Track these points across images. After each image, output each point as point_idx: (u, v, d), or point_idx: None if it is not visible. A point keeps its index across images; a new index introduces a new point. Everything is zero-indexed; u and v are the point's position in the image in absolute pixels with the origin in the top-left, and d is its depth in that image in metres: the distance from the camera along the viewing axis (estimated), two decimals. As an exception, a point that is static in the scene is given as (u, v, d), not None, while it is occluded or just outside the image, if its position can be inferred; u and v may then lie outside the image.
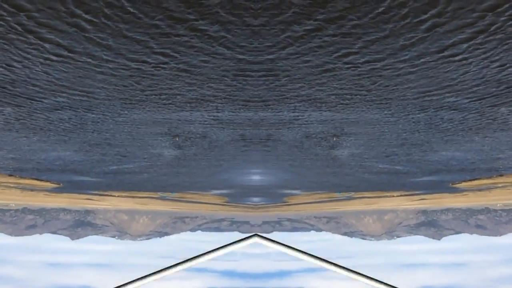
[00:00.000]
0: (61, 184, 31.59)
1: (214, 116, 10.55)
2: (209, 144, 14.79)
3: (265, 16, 5.42)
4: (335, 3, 5.33)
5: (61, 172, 23.76)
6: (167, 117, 10.79)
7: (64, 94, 8.75)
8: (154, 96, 8.90)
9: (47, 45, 6.26)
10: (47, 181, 29.32)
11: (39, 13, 5.28)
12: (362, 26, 5.96)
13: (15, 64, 7.08)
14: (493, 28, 6.58)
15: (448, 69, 7.43)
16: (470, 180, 25.20)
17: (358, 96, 8.30)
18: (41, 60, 6.84)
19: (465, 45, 6.92)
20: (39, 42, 6.15)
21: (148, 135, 13.27)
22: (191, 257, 3.55)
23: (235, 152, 16.28)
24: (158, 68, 7.28)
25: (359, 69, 7.16)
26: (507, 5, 6.07)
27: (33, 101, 9.31)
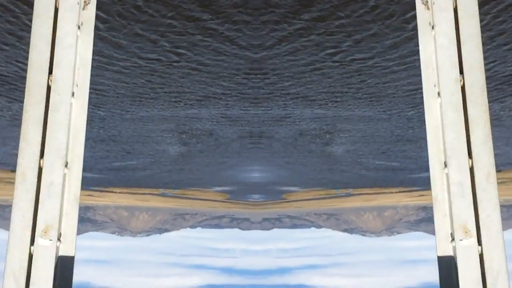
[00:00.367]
0: None
1: (222, 113, 10.60)
2: (214, 141, 14.87)
3: (251, 15, 5.48)
4: (321, 2, 5.37)
5: None
6: (175, 114, 10.84)
7: None
8: (164, 94, 8.95)
9: None
10: None
11: None
12: (349, 25, 6.00)
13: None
14: (481, 25, 6.61)
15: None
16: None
17: (348, 94, 8.35)
18: None
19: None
20: None
21: (155, 132, 13.36)
22: None
23: (240, 149, 16.36)
24: (170, 66, 7.31)
25: (347, 67, 7.21)
26: (493, 2, 6.11)
27: None
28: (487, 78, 8.76)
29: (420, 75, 7.35)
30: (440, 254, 2.98)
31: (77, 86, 3.09)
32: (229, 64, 7.27)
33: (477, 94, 2.95)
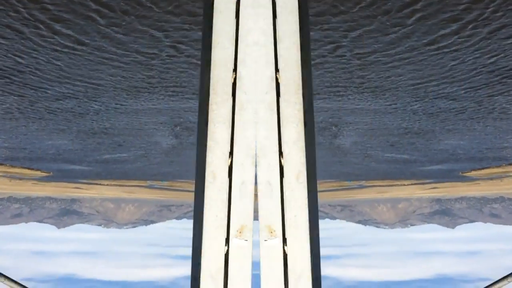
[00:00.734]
0: (51, 173, 31.77)
1: None
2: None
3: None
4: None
5: (52, 161, 23.86)
6: (171, 107, 10.96)
7: (69, 84, 8.96)
8: (161, 87, 9.07)
9: (58, 37, 6.46)
10: (37, 170, 29.49)
11: (54, 6, 5.46)
12: (349, 20, 6.10)
13: (23, 54, 7.31)
14: (480, 19, 6.67)
15: (438, 60, 7.54)
16: (480, 169, 25.09)
17: (351, 87, 8.46)
18: (51, 50, 7.05)
19: (454, 37, 7.02)
20: (51, 33, 6.35)
21: (149, 124, 13.46)
22: None
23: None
24: (169, 59, 7.43)
25: (350, 62, 7.31)
26: (491, -3, 6.17)
27: (37, 91, 9.53)
28: (489, 71, 8.77)
29: (421, 67, 7.51)
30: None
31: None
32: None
33: (291, 93, 2.82)
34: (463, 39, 7.10)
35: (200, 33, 6.30)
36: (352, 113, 11.02)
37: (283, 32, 2.86)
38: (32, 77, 8.44)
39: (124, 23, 5.83)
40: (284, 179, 2.77)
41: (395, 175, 30.38)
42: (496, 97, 9.92)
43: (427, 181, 37.31)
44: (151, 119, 12.34)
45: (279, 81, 2.82)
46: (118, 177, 36.09)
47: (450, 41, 7.00)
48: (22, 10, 5.46)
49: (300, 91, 2.81)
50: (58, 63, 7.63)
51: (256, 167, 2.73)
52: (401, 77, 8.15)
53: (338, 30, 6.37)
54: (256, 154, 2.76)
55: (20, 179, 35.89)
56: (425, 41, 6.96)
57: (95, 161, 23.41)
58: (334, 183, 40.08)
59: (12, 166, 26.83)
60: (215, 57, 2.88)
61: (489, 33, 6.96)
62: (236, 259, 2.70)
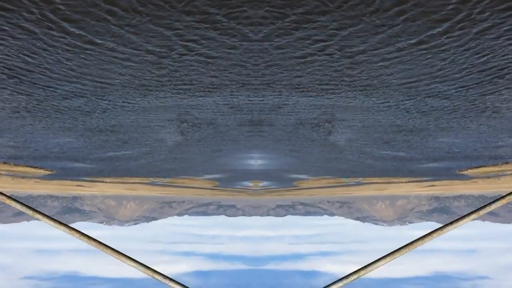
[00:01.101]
0: (54, 171, 31.92)
1: (227, 101, 10.77)
2: (214, 129, 15.07)
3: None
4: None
5: (56, 159, 23.97)
6: (179, 104, 11.02)
7: (78, 83, 9.00)
8: (170, 85, 9.12)
9: (70, 36, 6.51)
10: (40, 168, 29.64)
11: (66, 6, 5.52)
12: (337, 19, 6.15)
13: (34, 54, 7.37)
14: (468, 19, 6.72)
15: (428, 59, 7.59)
16: (476, 167, 25.18)
17: (342, 85, 8.51)
18: (62, 50, 7.10)
19: (443, 37, 7.07)
20: (62, 33, 6.40)
21: (155, 121, 13.54)
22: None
23: (238, 137, 16.57)
24: (180, 56, 7.48)
25: (339, 61, 7.36)
26: (479, -2, 6.22)
27: (45, 90, 9.57)
28: (479, 70, 8.84)
29: (411, 66, 7.63)
30: None
31: None
32: (234, 56, 7.48)
33: None
34: (451, 39, 7.16)
35: (211, 31, 6.38)
36: (345, 111, 11.08)
37: None
38: (42, 76, 8.48)
39: (135, 22, 5.89)
40: None
41: (393, 172, 30.50)
42: (488, 96, 9.98)
43: (425, 178, 37.43)
44: (158, 116, 12.41)
45: None
46: (120, 175, 36.28)
47: (439, 41, 7.06)
48: (35, 10, 5.53)
49: None
50: (68, 62, 7.69)
51: None
52: (391, 76, 8.20)
53: (326, 28, 6.43)
54: None
55: (23, 177, 36.08)
56: (414, 40, 7.01)
57: (98, 158, 23.55)
58: (331, 179, 40.21)
59: (16, 165, 26.97)
60: None
61: (477, 33, 7.01)
62: None
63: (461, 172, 27.95)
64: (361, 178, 37.72)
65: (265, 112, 11.39)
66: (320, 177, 37.41)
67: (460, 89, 9.43)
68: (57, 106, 11.23)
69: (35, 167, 28.81)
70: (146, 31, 6.35)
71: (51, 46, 7.02)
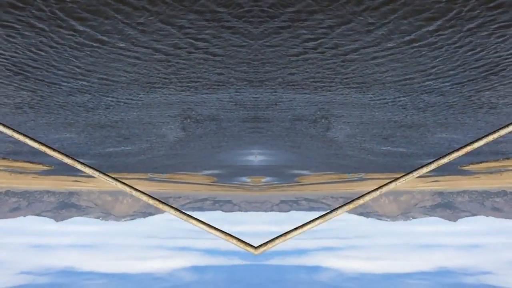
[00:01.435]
0: (53, 167, 31.98)
1: (229, 97, 10.81)
2: (216, 125, 15.12)
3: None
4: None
5: None
6: (183, 100, 11.05)
7: (83, 80, 9.04)
8: (175, 81, 9.16)
9: (78, 34, 6.58)
10: (39, 163, 29.69)
11: (75, 4, 5.58)
12: (330, 18, 6.22)
13: (42, 51, 7.43)
14: (459, 17, 6.78)
15: (421, 57, 7.65)
16: (478, 162, 25.17)
17: (336, 82, 8.58)
18: (69, 48, 7.17)
19: (434, 34, 7.12)
20: (71, 31, 6.47)
21: (158, 118, 13.56)
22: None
23: (239, 133, 16.64)
24: (189, 54, 7.52)
25: (332, 58, 7.43)
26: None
27: (51, 86, 9.63)
28: (473, 67, 8.90)
29: (404, 63, 7.68)
30: None
31: None
32: (238, 53, 7.55)
33: None
34: (443, 37, 7.21)
35: (216, 29, 6.45)
36: (342, 107, 11.14)
37: None
38: (47, 73, 8.54)
39: (144, 21, 5.95)
40: None
41: (394, 168, 30.50)
42: (484, 93, 10.02)
43: (428, 174, 37.39)
44: (161, 112, 12.43)
45: None
46: (119, 170, 36.35)
47: (430, 39, 7.11)
48: (45, 8, 5.60)
49: None
50: (75, 60, 7.74)
51: None
52: (385, 74, 8.26)
53: (319, 27, 6.50)
54: None
55: (21, 173, 36.19)
56: (406, 39, 7.08)
57: (98, 154, 23.59)
58: (333, 175, 40.27)
59: (15, 160, 27.04)
60: None
61: (468, 30, 7.07)
62: None
63: (463, 168, 27.93)
64: (363, 174, 37.73)
65: (261, 108, 11.47)
66: (322, 172, 37.44)
67: (455, 85, 9.48)
68: (60, 102, 11.30)
69: (34, 163, 28.89)
70: (152, 29, 6.41)
71: (59, 44, 7.10)
